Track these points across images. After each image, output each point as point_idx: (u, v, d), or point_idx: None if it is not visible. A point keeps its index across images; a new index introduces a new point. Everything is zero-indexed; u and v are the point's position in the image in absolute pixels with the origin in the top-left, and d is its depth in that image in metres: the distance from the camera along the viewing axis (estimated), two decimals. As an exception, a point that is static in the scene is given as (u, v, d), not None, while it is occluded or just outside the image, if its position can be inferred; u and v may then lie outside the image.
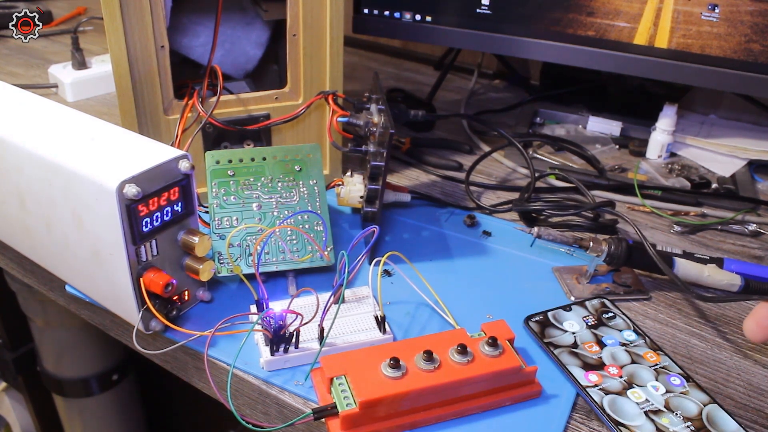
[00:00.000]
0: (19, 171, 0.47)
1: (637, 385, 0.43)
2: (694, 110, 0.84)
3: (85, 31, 1.10)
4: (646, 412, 0.41)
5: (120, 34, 0.52)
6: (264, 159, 0.54)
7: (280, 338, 0.43)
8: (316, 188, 0.54)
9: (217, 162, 0.53)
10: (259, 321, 0.43)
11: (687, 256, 0.56)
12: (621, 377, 0.43)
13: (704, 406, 0.42)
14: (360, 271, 0.53)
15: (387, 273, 0.54)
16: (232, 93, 0.61)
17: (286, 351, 0.43)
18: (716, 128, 0.80)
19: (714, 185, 0.70)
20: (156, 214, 0.43)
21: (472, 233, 0.60)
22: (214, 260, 0.49)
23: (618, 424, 0.40)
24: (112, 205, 0.40)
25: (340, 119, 0.57)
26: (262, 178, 0.53)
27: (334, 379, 0.40)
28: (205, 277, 0.46)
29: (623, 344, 0.46)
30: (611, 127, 0.81)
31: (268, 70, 0.69)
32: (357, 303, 0.48)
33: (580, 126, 0.83)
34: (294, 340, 0.43)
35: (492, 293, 0.52)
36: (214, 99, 0.58)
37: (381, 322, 0.46)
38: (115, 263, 0.43)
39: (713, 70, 0.66)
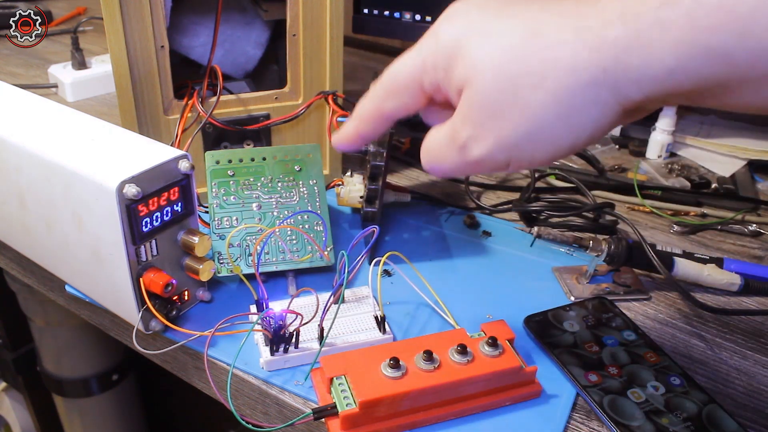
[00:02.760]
0: (19, 171, 0.47)
1: (637, 385, 0.43)
2: (694, 110, 0.84)
3: (85, 31, 1.10)
4: (646, 412, 0.41)
5: (120, 34, 0.52)
6: (264, 159, 0.54)
7: (280, 338, 0.43)
8: (316, 188, 0.54)
9: (217, 162, 0.53)
10: (259, 321, 0.43)
11: (687, 255, 0.56)
12: (621, 377, 0.43)
13: (704, 406, 0.42)
14: (360, 271, 0.53)
15: (387, 273, 0.54)
16: (232, 93, 0.61)
17: (286, 351, 0.43)
18: (716, 128, 0.80)
19: (714, 185, 0.70)
20: (156, 214, 0.43)
21: (472, 233, 0.60)
22: (214, 260, 0.49)
23: (618, 424, 0.40)
24: (112, 205, 0.40)
25: (340, 119, 0.57)
26: (262, 178, 0.53)
27: (334, 379, 0.40)
28: (205, 277, 0.46)
29: (623, 344, 0.46)
30: (611, 127, 0.81)
31: (268, 70, 0.69)
32: (357, 303, 0.48)
33: (580, 126, 0.83)
34: (294, 340, 0.43)
35: (492, 293, 0.52)
36: (214, 99, 0.58)
37: (381, 322, 0.46)
38: (115, 263, 0.43)
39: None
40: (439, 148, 0.33)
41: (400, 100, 0.34)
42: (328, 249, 0.52)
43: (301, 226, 0.52)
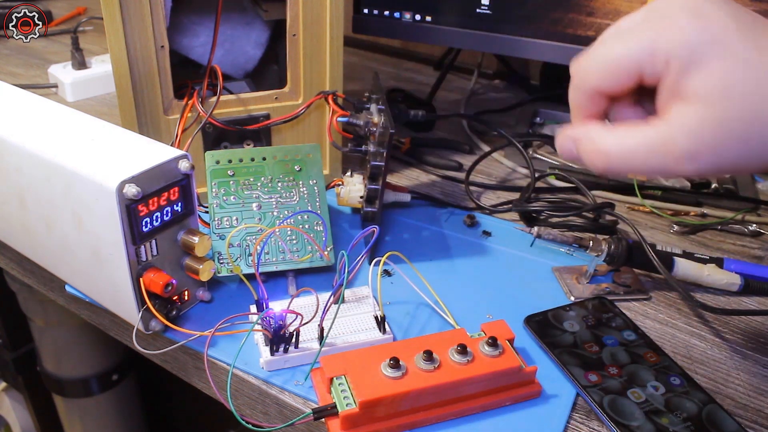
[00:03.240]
0: (19, 171, 0.47)
1: (637, 385, 0.43)
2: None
3: (85, 31, 1.10)
4: (646, 412, 0.41)
5: (120, 34, 0.52)
6: (264, 159, 0.54)
7: (280, 338, 0.43)
8: (316, 188, 0.54)
9: (217, 162, 0.53)
10: (259, 321, 0.43)
11: (687, 256, 0.56)
12: (621, 377, 0.43)
13: (704, 406, 0.42)
14: (360, 271, 0.53)
15: (387, 273, 0.54)
16: (232, 93, 0.61)
17: (286, 351, 0.43)
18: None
19: (714, 185, 0.70)
20: (156, 214, 0.43)
21: (472, 233, 0.60)
22: (214, 260, 0.49)
23: (618, 424, 0.40)
24: (112, 205, 0.40)
25: (340, 119, 0.57)
26: (262, 178, 0.53)
27: (334, 379, 0.40)
28: (205, 277, 0.46)
29: (623, 344, 0.46)
30: (611, 127, 0.81)
31: (268, 70, 0.69)
32: (357, 303, 0.48)
33: (580, 126, 0.83)
34: (294, 340, 0.43)
35: (492, 293, 0.52)
36: (214, 99, 0.58)
37: (381, 322, 0.46)
38: (115, 263, 0.43)
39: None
40: (643, 154, 0.32)
41: (613, 82, 0.33)
42: (328, 249, 0.52)
43: (301, 226, 0.52)
